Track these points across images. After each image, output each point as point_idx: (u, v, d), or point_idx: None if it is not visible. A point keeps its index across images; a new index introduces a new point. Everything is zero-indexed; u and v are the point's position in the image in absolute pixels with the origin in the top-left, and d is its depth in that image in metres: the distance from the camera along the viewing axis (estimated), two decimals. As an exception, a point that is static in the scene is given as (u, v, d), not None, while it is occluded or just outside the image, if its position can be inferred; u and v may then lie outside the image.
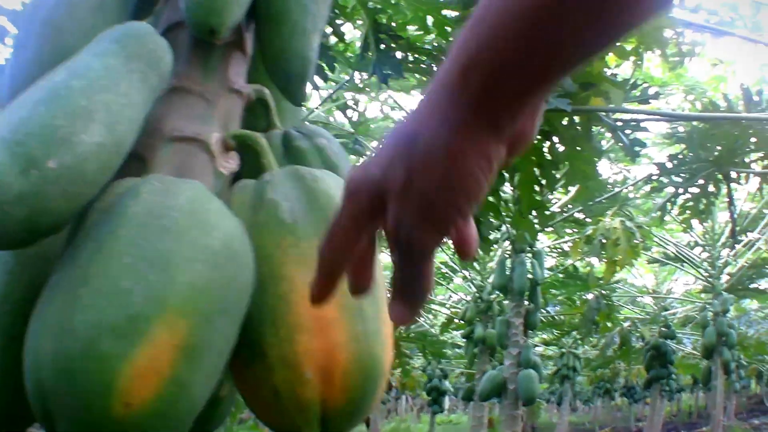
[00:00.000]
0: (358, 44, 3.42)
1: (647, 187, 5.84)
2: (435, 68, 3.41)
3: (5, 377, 0.95)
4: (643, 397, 16.87)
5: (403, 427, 18.93)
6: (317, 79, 3.35)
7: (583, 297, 9.04)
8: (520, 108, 0.59)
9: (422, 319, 9.75)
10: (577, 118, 3.38)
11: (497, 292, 7.48)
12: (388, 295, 0.69)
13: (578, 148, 3.50)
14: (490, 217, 3.85)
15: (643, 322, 11.24)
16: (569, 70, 0.58)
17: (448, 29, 3.00)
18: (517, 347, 6.49)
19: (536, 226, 4.08)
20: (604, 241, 6.22)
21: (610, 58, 3.78)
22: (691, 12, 4.77)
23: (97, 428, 0.80)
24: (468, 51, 0.58)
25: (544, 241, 8.22)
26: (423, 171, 0.60)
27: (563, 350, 12.02)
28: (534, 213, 3.72)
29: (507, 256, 6.79)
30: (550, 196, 5.49)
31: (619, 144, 3.73)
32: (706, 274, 9.67)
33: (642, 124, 3.88)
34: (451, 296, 11.70)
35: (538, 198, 3.58)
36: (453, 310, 10.19)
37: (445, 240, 0.65)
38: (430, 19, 3.00)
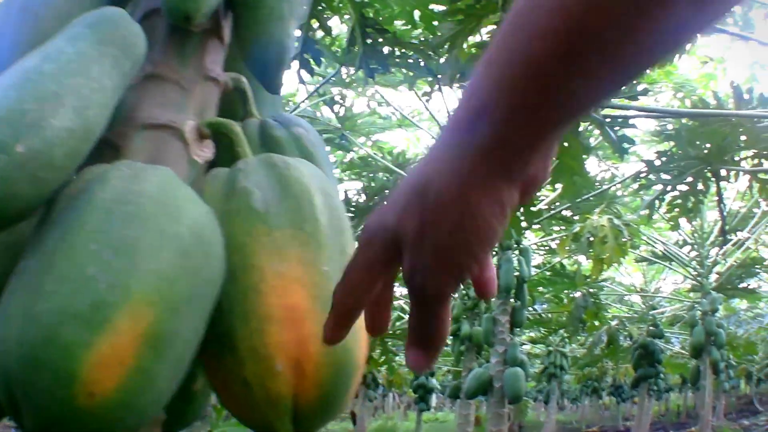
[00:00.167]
0: (345, 39, 3.41)
1: (635, 185, 5.84)
2: (422, 63, 3.42)
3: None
4: (630, 396, 16.95)
5: (389, 424, 18.95)
6: (303, 74, 3.33)
7: (571, 295, 9.05)
8: (532, 154, 0.58)
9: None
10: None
11: (484, 290, 7.46)
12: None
13: (566, 144, 3.50)
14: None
15: (631, 321, 11.28)
16: (583, 114, 0.58)
17: (436, 23, 3.00)
18: (504, 345, 6.48)
19: (523, 223, 4.08)
20: (591, 238, 6.23)
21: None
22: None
23: (62, 418, 0.78)
24: (479, 98, 0.57)
25: (531, 238, 8.21)
26: (436, 219, 0.60)
27: (550, 348, 12.05)
28: (521, 210, 3.71)
29: (494, 253, 6.77)
30: (537, 193, 5.48)
31: (608, 141, 3.74)
32: (695, 273, 9.68)
33: (630, 121, 3.89)
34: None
35: (525, 195, 3.57)
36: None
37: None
38: (417, 14, 3.00)
